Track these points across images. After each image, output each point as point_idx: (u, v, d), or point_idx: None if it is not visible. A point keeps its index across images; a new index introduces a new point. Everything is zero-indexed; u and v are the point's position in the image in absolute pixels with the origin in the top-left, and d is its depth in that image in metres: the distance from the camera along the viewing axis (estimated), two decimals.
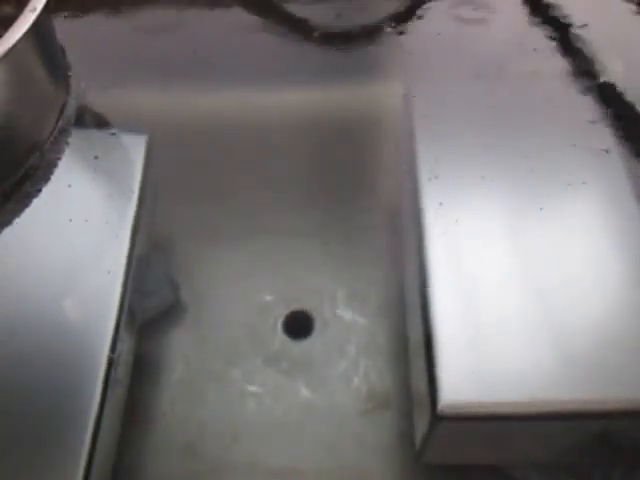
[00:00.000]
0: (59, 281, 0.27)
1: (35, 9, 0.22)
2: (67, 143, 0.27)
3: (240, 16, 0.44)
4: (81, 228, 0.27)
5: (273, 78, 0.41)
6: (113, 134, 0.30)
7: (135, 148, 0.30)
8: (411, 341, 0.30)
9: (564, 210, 0.30)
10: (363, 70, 0.42)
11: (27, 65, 0.23)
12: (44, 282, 0.26)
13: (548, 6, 0.40)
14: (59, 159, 0.26)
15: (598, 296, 0.27)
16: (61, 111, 0.27)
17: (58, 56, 0.27)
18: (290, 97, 0.41)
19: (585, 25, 0.38)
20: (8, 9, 0.30)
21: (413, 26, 0.42)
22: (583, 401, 0.24)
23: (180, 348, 0.33)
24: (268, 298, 0.34)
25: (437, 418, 0.25)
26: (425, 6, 0.43)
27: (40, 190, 0.26)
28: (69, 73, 0.28)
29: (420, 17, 0.42)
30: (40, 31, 0.23)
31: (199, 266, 0.35)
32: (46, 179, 0.26)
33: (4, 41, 0.20)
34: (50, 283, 0.26)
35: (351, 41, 0.42)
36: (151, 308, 0.32)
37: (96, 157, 0.28)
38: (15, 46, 0.21)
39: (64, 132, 0.26)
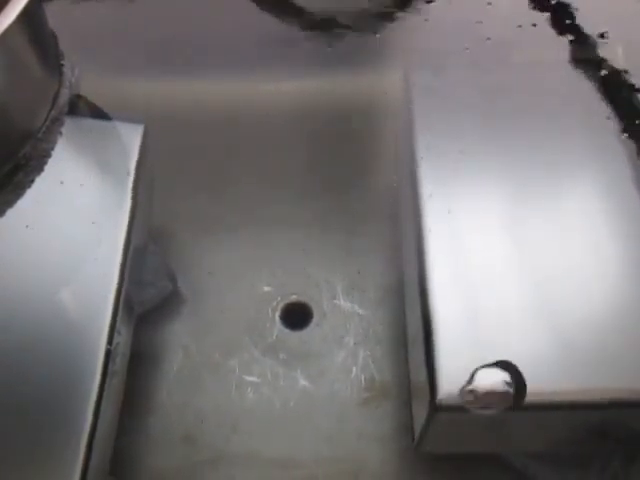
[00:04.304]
0: (55, 273, 0.26)
1: None
2: (60, 133, 0.26)
3: (238, 4, 0.44)
4: (76, 219, 0.27)
5: (272, 66, 0.41)
6: (109, 123, 0.29)
7: (131, 137, 0.29)
8: (410, 331, 0.30)
9: (563, 198, 0.29)
10: (362, 58, 0.42)
11: (17, 54, 0.23)
12: (40, 274, 0.26)
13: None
14: (52, 149, 0.26)
15: (597, 285, 0.27)
16: (54, 100, 0.26)
17: (50, 44, 0.27)
18: (289, 85, 0.41)
19: (586, 11, 0.38)
20: None
21: (413, 13, 0.42)
22: (582, 391, 0.24)
23: (178, 339, 0.33)
24: (266, 289, 0.34)
25: (436, 408, 0.24)
26: None
27: (33, 180, 0.26)
28: (62, 61, 0.27)
29: (419, 3, 0.42)
30: (30, 18, 0.22)
31: (197, 257, 0.35)
32: (39, 169, 0.26)
33: None
34: (46, 275, 0.26)
35: (350, 29, 0.42)
36: (149, 299, 0.32)
37: (91, 146, 0.28)
38: (3, 35, 0.20)
39: (57, 122, 0.26)
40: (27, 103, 0.25)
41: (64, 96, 0.27)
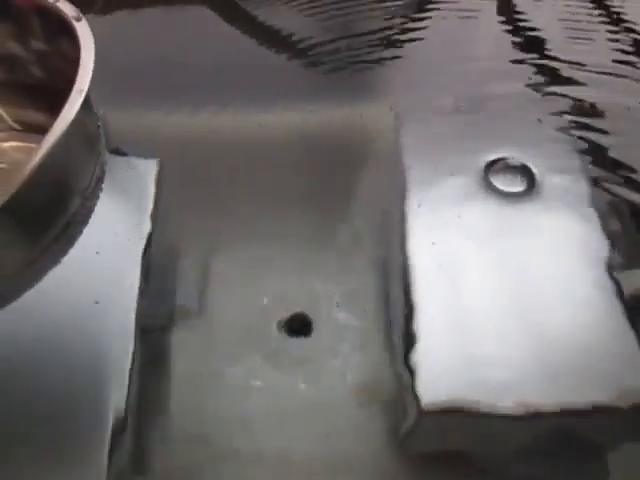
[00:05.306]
0: (83, 294, 0.29)
1: (82, 90, 0.23)
2: (101, 189, 0.28)
3: (237, 38, 0.45)
4: (99, 247, 0.29)
5: (272, 99, 0.43)
6: (124, 158, 0.32)
7: (147, 172, 0.31)
8: (399, 339, 0.31)
9: (545, 217, 0.32)
10: (356, 91, 0.43)
11: (74, 130, 0.25)
12: (68, 296, 0.29)
13: (531, 39, 0.41)
14: (96, 205, 0.28)
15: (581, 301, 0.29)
16: (97, 160, 0.28)
17: (93, 112, 0.29)
18: (287, 117, 0.43)
19: (568, 56, 0.39)
20: (39, 44, 0.31)
21: (404, 49, 0.44)
22: (559, 403, 0.26)
23: (188, 348, 0.34)
24: (268, 301, 0.36)
25: (422, 413, 0.27)
26: (417, 28, 0.44)
27: (82, 232, 0.28)
28: (99, 123, 0.29)
29: (412, 39, 0.43)
30: (85, 102, 0.25)
31: (204, 272, 0.37)
32: (86, 222, 0.28)
33: (60, 121, 0.22)
34: (74, 296, 0.29)
35: (343, 64, 0.44)
36: (161, 312, 0.34)
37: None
38: (69, 125, 0.23)
39: (100, 180, 0.28)
40: (79, 169, 0.27)
41: (103, 155, 0.29)
